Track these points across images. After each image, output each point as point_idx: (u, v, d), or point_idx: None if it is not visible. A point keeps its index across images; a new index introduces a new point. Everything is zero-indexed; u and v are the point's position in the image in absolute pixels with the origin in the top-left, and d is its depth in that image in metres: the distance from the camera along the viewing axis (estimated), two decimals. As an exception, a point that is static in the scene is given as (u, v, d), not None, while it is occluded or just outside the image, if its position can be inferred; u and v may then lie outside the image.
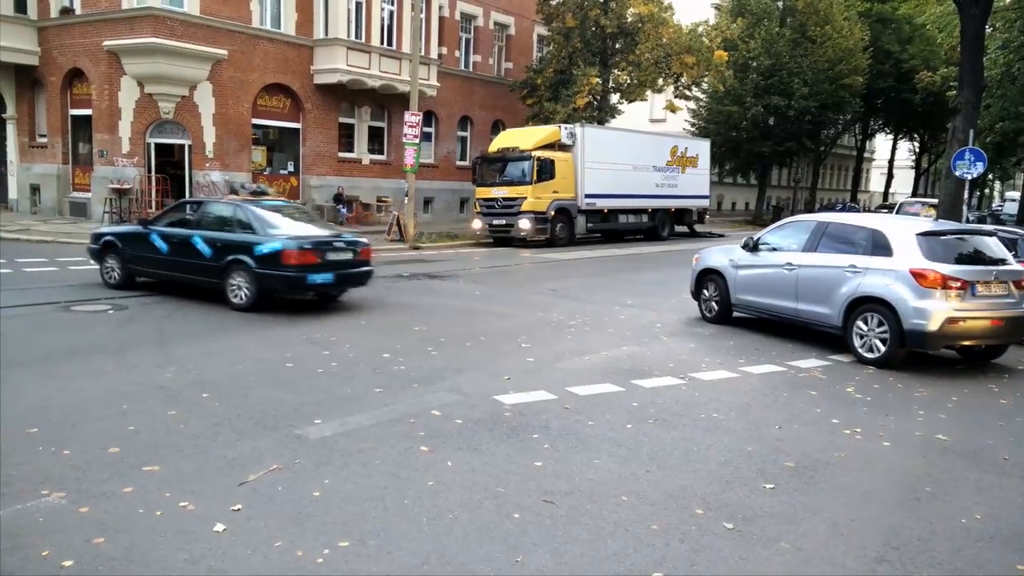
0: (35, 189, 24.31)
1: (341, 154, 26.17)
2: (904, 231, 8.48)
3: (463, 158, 31.23)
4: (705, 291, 10.84)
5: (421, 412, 5.91)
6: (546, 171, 21.91)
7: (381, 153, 27.76)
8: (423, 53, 25.13)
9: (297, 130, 24.94)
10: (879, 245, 8.52)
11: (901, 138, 52.55)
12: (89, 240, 12.32)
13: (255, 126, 23.59)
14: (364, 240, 11.46)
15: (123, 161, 21.47)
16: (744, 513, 4.35)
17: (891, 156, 53.42)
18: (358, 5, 24.58)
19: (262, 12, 23.35)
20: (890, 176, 53.35)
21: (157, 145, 21.89)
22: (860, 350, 8.45)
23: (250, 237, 10.31)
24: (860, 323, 8.44)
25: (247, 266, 10.15)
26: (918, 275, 7.97)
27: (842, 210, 34.87)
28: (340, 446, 5.13)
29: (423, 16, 25.59)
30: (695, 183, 28.20)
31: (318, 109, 25.07)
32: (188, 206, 12.14)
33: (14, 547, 3.57)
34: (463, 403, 6.21)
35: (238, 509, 4.05)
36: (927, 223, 9.41)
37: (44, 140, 24.03)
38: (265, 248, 10.05)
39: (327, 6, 24.19)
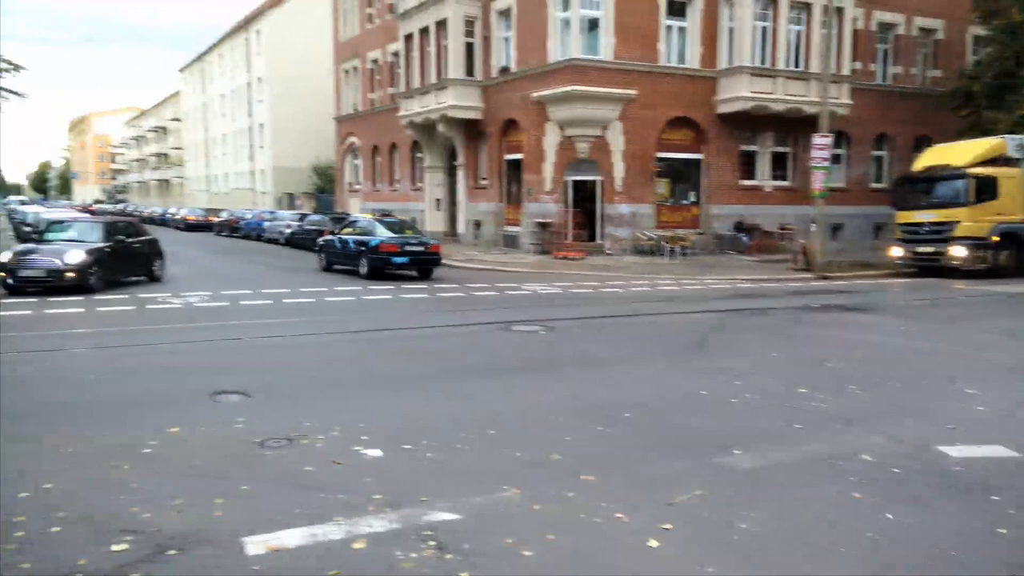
0: (477, 224, 28.59)
1: (742, 182, 25.89)
2: None
3: (878, 180, 28.60)
4: None
5: (849, 455, 5.46)
6: (986, 190, 18.90)
7: (785, 179, 26.78)
8: (834, 70, 23.66)
9: (698, 161, 25.34)
10: None
11: None
12: (316, 246, 21.54)
13: (658, 159, 24.60)
14: (433, 240, 19.08)
15: (546, 198, 24.10)
16: None
17: None
18: (764, 30, 24.19)
19: (668, 50, 24.34)
20: None
21: (573, 182, 24.13)
22: None
23: (368, 237, 18.22)
24: None
25: (366, 253, 17.97)
26: None
27: None
28: (763, 479, 4.98)
29: (834, 31, 24.15)
30: None
31: (720, 138, 25.18)
32: (350, 222, 20.53)
33: (478, 531, 4.12)
34: (898, 450, 5.59)
35: (668, 528, 4.17)
36: None
37: (484, 182, 28.18)
38: (373, 242, 17.95)
39: (733, 35, 24.27)
